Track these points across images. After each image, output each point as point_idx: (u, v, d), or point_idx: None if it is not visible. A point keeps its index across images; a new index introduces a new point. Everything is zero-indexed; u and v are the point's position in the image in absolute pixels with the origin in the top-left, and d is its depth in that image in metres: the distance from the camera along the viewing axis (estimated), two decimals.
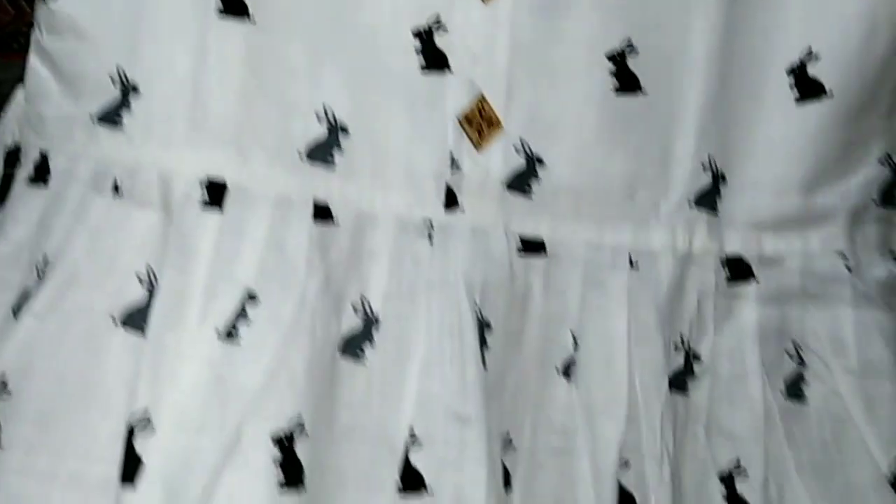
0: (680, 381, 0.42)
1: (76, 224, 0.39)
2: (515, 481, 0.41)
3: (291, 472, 0.37)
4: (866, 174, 0.45)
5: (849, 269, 0.45)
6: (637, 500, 0.40)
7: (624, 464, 0.41)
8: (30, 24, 0.43)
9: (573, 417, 0.41)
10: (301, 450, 0.37)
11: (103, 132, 0.41)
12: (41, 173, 0.41)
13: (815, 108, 0.43)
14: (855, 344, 0.44)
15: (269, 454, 0.37)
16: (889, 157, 0.45)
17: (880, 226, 0.46)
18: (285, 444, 0.37)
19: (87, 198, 0.40)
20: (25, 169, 0.42)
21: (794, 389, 0.44)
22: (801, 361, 0.44)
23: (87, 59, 0.40)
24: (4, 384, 0.38)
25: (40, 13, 0.41)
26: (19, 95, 0.43)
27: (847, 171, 0.45)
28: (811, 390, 0.44)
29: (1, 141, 0.43)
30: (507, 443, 0.40)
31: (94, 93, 0.41)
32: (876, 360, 0.44)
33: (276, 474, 0.37)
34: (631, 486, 0.41)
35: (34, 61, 0.42)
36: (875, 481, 0.43)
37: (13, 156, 0.43)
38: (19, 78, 0.43)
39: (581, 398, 0.41)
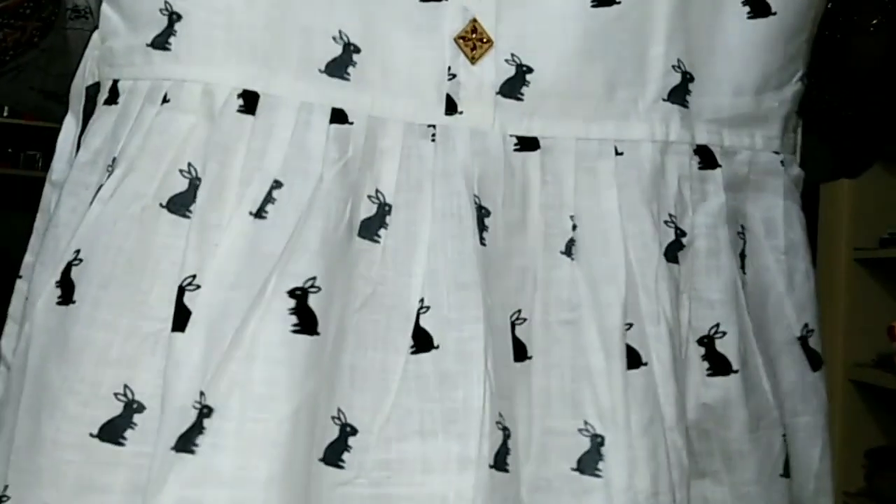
0: (672, 253, 0.49)
1: (135, 129, 0.47)
2: (534, 352, 0.47)
3: (304, 320, 0.44)
4: (794, 88, 0.53)
5: (782, 164, 0.53)
6: (641, 355, 0.46)
7: (628, 326, 0.46)
8: None
9: (577, 291, 0.47)
10: (314, 303, 0.44)
11: (156, 55, 0.48)
12: (113, 96, 0.50)
13: (763, 24, 0.51)
14: (783, 227, 0.52)
15: (285, 305, 0.44)
16: (805, 76, 0.54)
17: (795, 134, 0.55)
18: (299, 297, 0.44)
19: (144, 108, 0.48)
20: (102, 95, 0.50)
21: (742, 263, 0.51)
22: (745, 240, 0.52)
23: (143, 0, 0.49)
24: (78, 252, 0.46)
25: None
26: (95, 38, 0.52)
27: (783, 83, 0.53)
28: (749, 264, 0.52)
29: (83, 81, 0.53)
30: (519, 319, 0.47)
31: (148, 24, 0.48)
32: (796, 242, 0.53)
33: (291, 320, 0.44)
34: (635, 344, 0.46)
35: (105, 8, 0.50)
36: (789, 339, 0.52)
37: (93, 89, 0.52)
38: None
39: (582, 272, 0.47)
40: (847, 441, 2.30)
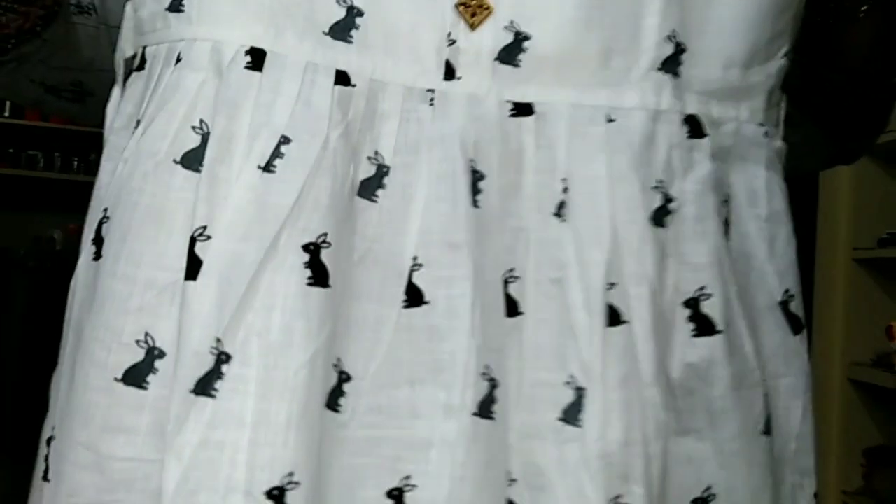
0: (659, 218, 0.50)
1: (154, 90, 0.50)
2: (526, 308, 0.49)
3: (318, 274, 0.46)
4: (779, 63, 0.55)
5: (766, 135, 0.54)
6: (622, 313, 0.48)
7: (610, 286, 0.48)
8: None
9: (566, 250, 0.49)
10: (325, 258, 0.46)
11: (172, 18, 0.50)
12: (142, 63, 0.52)
13: (751, 0, 0.52)
14: (765, 196, 0.54)
15: (300, 259, 0.46)
16: (789, 52, 0.55)
17: (778, 108, 0.56)
18: (313, 252, 0.46)
19: (163, 70, 0.50)
20: (135, 62, 0.53)
21: (725, 230, 0.52)
22: (729, 208, 0.53)
23: None
24: (106, 210, 0.49)
25: None
26: (129, 10, 0.54)
27: (769, 57, 0.54)
28: (732, 232, 0.53)
29: (122, 52, 0.55)
30: (512, 276, 0.49)
31: None
32: (778, 211, 0.54)
33: (305, 274, 0.46)
34: (617, 303, 0.48)
35: None
36: (771, 304, 0.53)
37: (130, 61, 0.54)
38: None
39: (571, 233, 0.49)
40: (845, 440, 2.30)
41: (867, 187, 2.29)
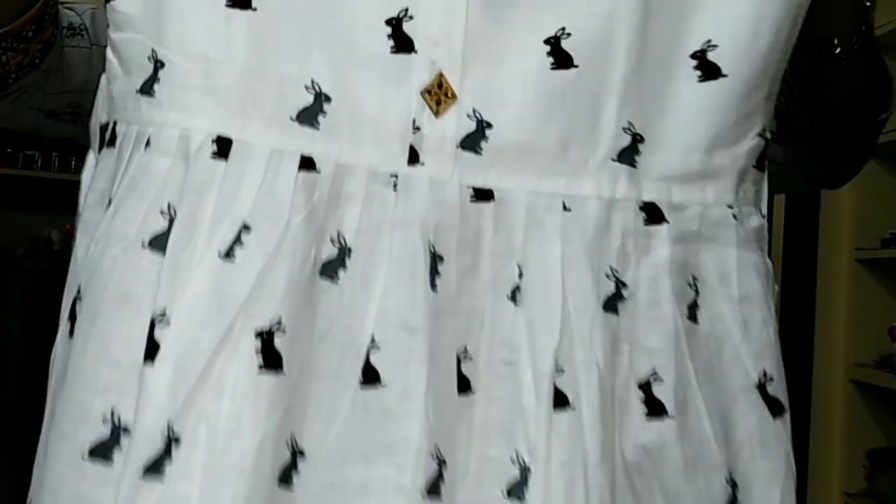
0: (612, 304, 0.52)
1: (124, 172, 0.51)
2: (477, 387, 0.50)
3: (270, 359, 0.47)
4: (750, 144, 0.55)
5: (735, 217, 0.55)
6: (570, 398, 0.50)
7: (559, 370, 0.50)
8: None
9: (518, 334, 0.50)
10: (279, 344, 0.48)
11: (143, 101, 0.52)
12: (112, 138, 0.53)
13: (714, 86, 0.53)
14: (737, 277, 0.55)
15: (252, 345, 0.47)
16: (764, 131, 0.56)
17: (755, 186, 0.57)
18: (265, 338, 0.47)
19: (133, 152, 0.51)
20: (106, 136, 0.54)
21: (692, 313, 0.53)
22: (697, 291, 0.54)
23: (135, 46, 0.52)
24: (79, 289, 0.51)
25: (109, 14, 0.53)
26: (103, 81, 0.55)
27: (737, 140, 0.55)
28: (702, 314, 0.54)
29: (97, 120, 0.56)
30: (465, 355, 0.50)
31: (138, 71, 0.52)
32: (752, 291, 0.55)
33: (257, 360, 0.47)
34: (565, 388, 0.50)
35: (109, 52, 0.54)
36: (746, 388, 0.54)
37: (104, 130, 0.55)
38: None
39: (524, 317, 0.51)
40: (848, 441, 2.30)
41: (870, 187, 2.28)
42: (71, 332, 0.51)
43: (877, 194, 2.30)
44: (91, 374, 0.48)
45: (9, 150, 4.00)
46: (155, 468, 0.46)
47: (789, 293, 2.36)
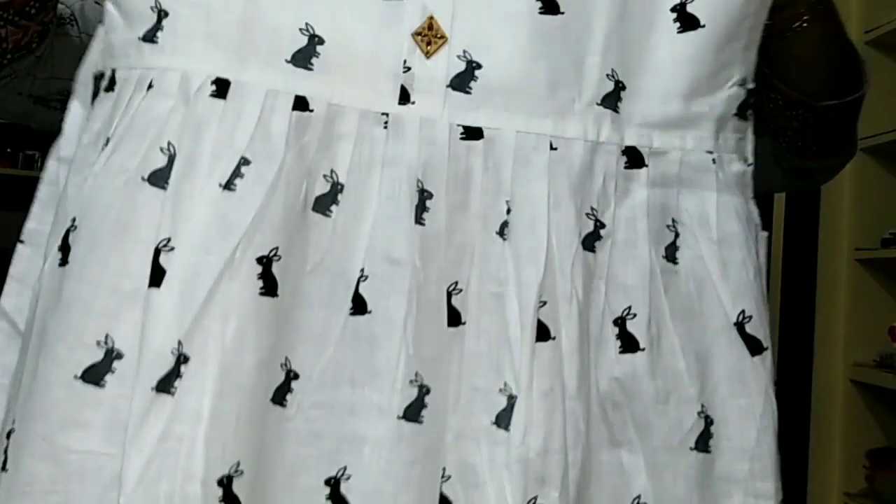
0: (589, 243, 0.54)
1: (125, 112, 0.53)
2: (468, 318, 0.53)
3: (268, 285, 0.50)
4: (729, 93, 0.58)
5: (714, 162, 0.58)
6: (551, 330, 0.52)
7: (542, 303, 0.52)
8: None
9: (506, 268, 0.53)
10: (276, 269, 0.50)
11: (146, 48, 0.54)
12: (111, 84, 0.56)
13: (692, 37, 0.56)
14: (716, 220, 0.57)
15: (254, 270, 0.50)
16: (745, 80, 0.59)
17: (736, 134, 0.59)
18: (265, 265, 0.50)
19: (134, 94, 0.54)
20: (103, 83, 0.56)
21: (671, 254, 0.56)
22: (677, 233, 0.56)
23: None
24: (74, 220, 0.53)
25: None
26: (100, 31, 0.57)
27: (715, 88, 0.58)
28: (682, 255, 0.56)
29: (90, 69, 0.58)
30: (456, 289, 0.53)
31: (140, 20, 0.54)
32: (731, 234, 0.57)
33: (258, 284, 0.50)
34: (546, 320, 0.52)
35: (108, 5, 0.56)
36: (725, 327, 0.57)
37: (98, 78, 0.57)
38: None
39: (511, 252, 0.53)
40: (848, 441, 2.31)
41: (870, 187, 2.29)
42: (64, 261, 0.52)
43: (877, 194, 2.30)
44: (87, 299, 0.50)
45: (9, 150, 4.00)
46: (166, 383, 0.48)
47: (789, 293, 2.36)
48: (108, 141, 0.53)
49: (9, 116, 0.77)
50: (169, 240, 0.50)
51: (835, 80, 0.68)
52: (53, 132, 0.75)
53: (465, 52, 0.53)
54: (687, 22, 0.56)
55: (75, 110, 0.58)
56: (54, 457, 0.49)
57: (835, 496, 2.33)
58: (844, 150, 0.75)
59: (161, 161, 0.52)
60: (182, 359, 0.49)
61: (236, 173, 0.51)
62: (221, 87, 0.52)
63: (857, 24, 2.28)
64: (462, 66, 0.53)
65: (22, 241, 0.58)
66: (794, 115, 0.68)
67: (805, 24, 0.64)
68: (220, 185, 0.51)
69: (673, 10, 0.55)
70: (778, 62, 0.66)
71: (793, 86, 0.67)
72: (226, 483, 0.48)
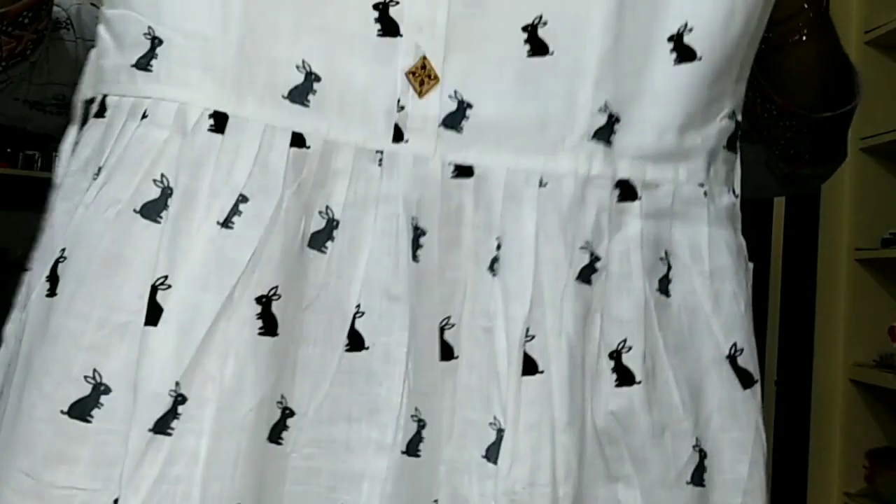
0: (586, 276, 0.54)
1: (117, 141, 0.53)
2: (460, 353, 0.54)
3: (268, 324, 0.51)
4: (720, 125, 0.58)
5: (706, 195, 0.58)
6: (539, 364, 0.53)
7: (531, 337, 0.53)
8: None
9: (495, 303, 0.53)
10: (276, 309, 0.51)
11: (139, 75, 0.54)
12: (101, 110, 0.55)
13: (688, 69, 0.56)
14: (708, 253, 0.57)
15: (253, 310, 0.50)
16: (734, 113, 0.59)
17: (726, 166, 0.60)
18: (264, 305, 0.51)
19: (127, 123, 0.53)
20: (93, 108, 0.56)
21: (664, 287, 0.56)
22: (669, 266, 0.57)
23: (131, 22, 0.54)
24: (63, 250, 0.52)
25: None
26: (92, 55, 0.57)
27: (707, 121, 0.58)
28: (675, 288, 0.56)
29: (82, 94, 0.58)
30: (448, 323, 0.54)
31: (133, 47, 0.54)
32: (722, 266, 0.58)
33: (257, 324, 0.50)
34: (535, 354, 0.53)
35: (100, 28, 0.56)
36: (717, 359, 0.57)
37: (89, 103, 0.57)
38: None
39: (500, 287, 0.54)
40: (848, 441, 2.31)
41: (870, 187, 2.29)
42: (52, 292, 0.52)
43: (877, 194, 2.31)
44: (76, 332, 0.50)
45: (9, 150, 4.01)
46: (162, 424, 0.49)
47: (789, 293, 2.36)
48: (99, 170, 0.53)
49: (5, 120, 0.77)
50: (166, 277, 0.50)
51: (829, 92, 0.69)
52: (45, 133, 0.75)
53: (456, 91, 0.54)
54: (684, 53, 0.55)
55: (71, 135, 0.58)
56: (38, 493, 0.49)
57: (835, 496, 2.34)
58: (836, 158, 0.76)
59: (154, 193, 0.51)
60: (180, 399, 0.49)
61: (234, 211, 0.51)
62: (219, 121, 0.52)
63: (857, 24, 2.28)
64: (454, 106, 0.54)
65: (28, 269, 0.57)
66: (788, 126, 0.69)
67: (803, 39, 0.65)
68: (218, 222, 0.50)
69: (670, 39, 0.55)
70: (774, 73, 0.67)
71: (787, 97, 0.67)
72: None
